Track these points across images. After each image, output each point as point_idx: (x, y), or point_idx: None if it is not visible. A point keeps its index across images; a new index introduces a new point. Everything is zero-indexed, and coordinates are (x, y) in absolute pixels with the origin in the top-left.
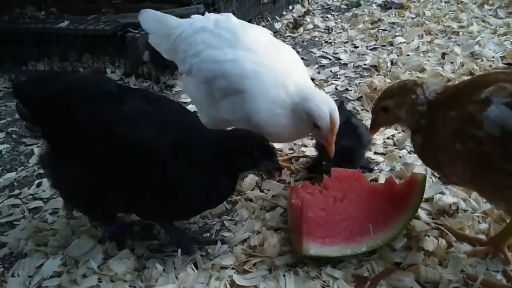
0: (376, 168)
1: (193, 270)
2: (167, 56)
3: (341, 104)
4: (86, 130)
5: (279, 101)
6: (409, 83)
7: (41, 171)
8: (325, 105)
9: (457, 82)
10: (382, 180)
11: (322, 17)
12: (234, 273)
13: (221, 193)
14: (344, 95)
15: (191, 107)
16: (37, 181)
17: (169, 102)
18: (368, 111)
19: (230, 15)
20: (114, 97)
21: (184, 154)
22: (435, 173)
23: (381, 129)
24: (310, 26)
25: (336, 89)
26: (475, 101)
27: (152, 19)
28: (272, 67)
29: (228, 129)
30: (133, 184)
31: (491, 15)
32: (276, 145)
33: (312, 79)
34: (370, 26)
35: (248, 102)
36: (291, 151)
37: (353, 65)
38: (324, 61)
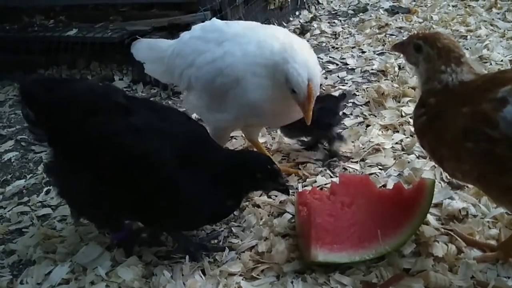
0: (383, 172)
1: (201, 277)
2: (165, 80)
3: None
4: (92, 140)
5: (262, 61)
6: (456, 52)
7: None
8: (304, 70)
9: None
10: (390, 185)
11: (329, 22)
12: (242, 279)
13: (225, 209)
14: (351, 100)
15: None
16: (45, 188)
17: (176, 113)
18: (376, 116)
19: (214, 19)
20: (122, 108)
21: (190, 169)
22: (444, 178)
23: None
24: (317, 31)
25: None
26: (491, 100)
27: (143, 48)
28: (257, 35)
29: (236, 150)
30: (138, 195)
31: (499, 19)
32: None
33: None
34: (377, 31)
35: (239, 84)
36: (297, 156)
37: (361, 70)
38: (331, 66)
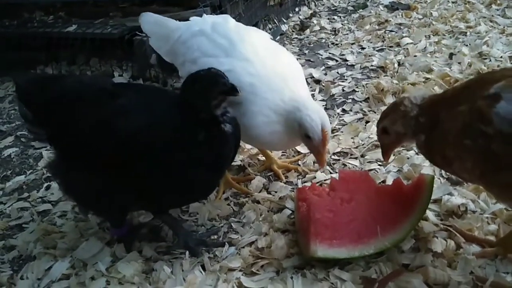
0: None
1: (201, 272)
2: (167, 59)
3: None
4: (84, 127)
5: (274, 107)
6: (396, 100)
7: (50, 174)
8: (316, 116)
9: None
10: (390, 181)
11: (328, 18)
12: (242, 275)
13: (206, 145)
14: (351, 96)
15: None
16: (45, 184)
17: (160, 91)
18: (375, 112)
19: (228, 17)
20: (108, 93)
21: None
22: (443, 174)
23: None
24: (317, 27)
25: (343, 90)
26: (485, 96)
27: (151, 22)
28: (267, 76)
29: None
30: (138, 173)
31: (499, 15)
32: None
33: (319, 81)
34: (377, 27)
35: (244, 116)
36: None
37: (360, 66)
38: (331, 63)
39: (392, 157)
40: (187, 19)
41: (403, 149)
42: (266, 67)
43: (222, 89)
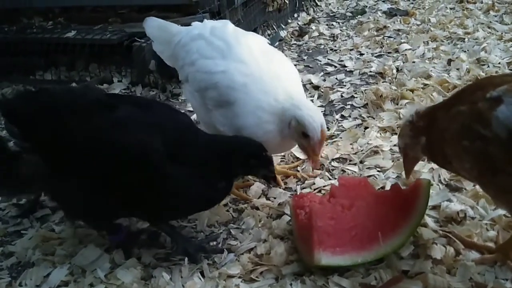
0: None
1: (200, 279)
2: (169, 63)
3: None
4: (78, 139)
5: (267, 107)
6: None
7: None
8: (317, 115)
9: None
10: (389, 187)
11: (327, 24)
12: (241, 282)
13: (217, 194)
14: (350, 102)
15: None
16: None
17: (160, 105)
18: (374, 118)
19: (228, 22)
20: (104, 104)
21: (180, 156)
22: (442, 180)
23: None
24: (316, 33)
25: (342, 96)
26: (486, 98)
27: (155, 27)
28: (261, 76)
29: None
30: (129, 189)
31: (496, 21)
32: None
33: (318, 87)
34: (375, 33)
35: (237, 116)
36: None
37: (359, 72)
38: (329, 69)
39: (390, 163)
40: (187, 25)
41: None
42: (261, 68)
43: (263, 174)
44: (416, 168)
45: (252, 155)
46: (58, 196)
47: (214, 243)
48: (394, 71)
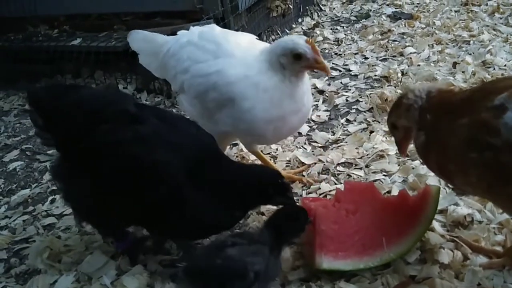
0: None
1: None
2: (158, 75)
3: None
4: (99, 147)
5: (254, 62)
6: (401, 94)
7: (55, 187)
8: (293, 37)
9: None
10: (395, 191)
11: (331, 29)
12: None
13: (231, 220)
14: (355, 106)
15: None
16: (50, 198)
17: (185, 122)
18: (379, 122)
19: (214, 25)
20: (131, 116)
21: (198, 180)
22: (449, 184)
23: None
24: (320, 38)
25: (347, 100)
26: (489, 108)
27: (140, 39)
28: (244, 57)
29: (246, 163)
30: (143, 204)
31: (502, 23)
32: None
33: (323, 91)
34: (380, 37)
35: (244, 112)
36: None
37: (364, 76)
38: (334, 73)
39: (396, 167)
40: None
41: (408, 159)
42: (245, 52)
43: (282, 201)
44: (422, 172)
45: (270, 185)
46: (72, 195)
47: None
48: (399, 74)
